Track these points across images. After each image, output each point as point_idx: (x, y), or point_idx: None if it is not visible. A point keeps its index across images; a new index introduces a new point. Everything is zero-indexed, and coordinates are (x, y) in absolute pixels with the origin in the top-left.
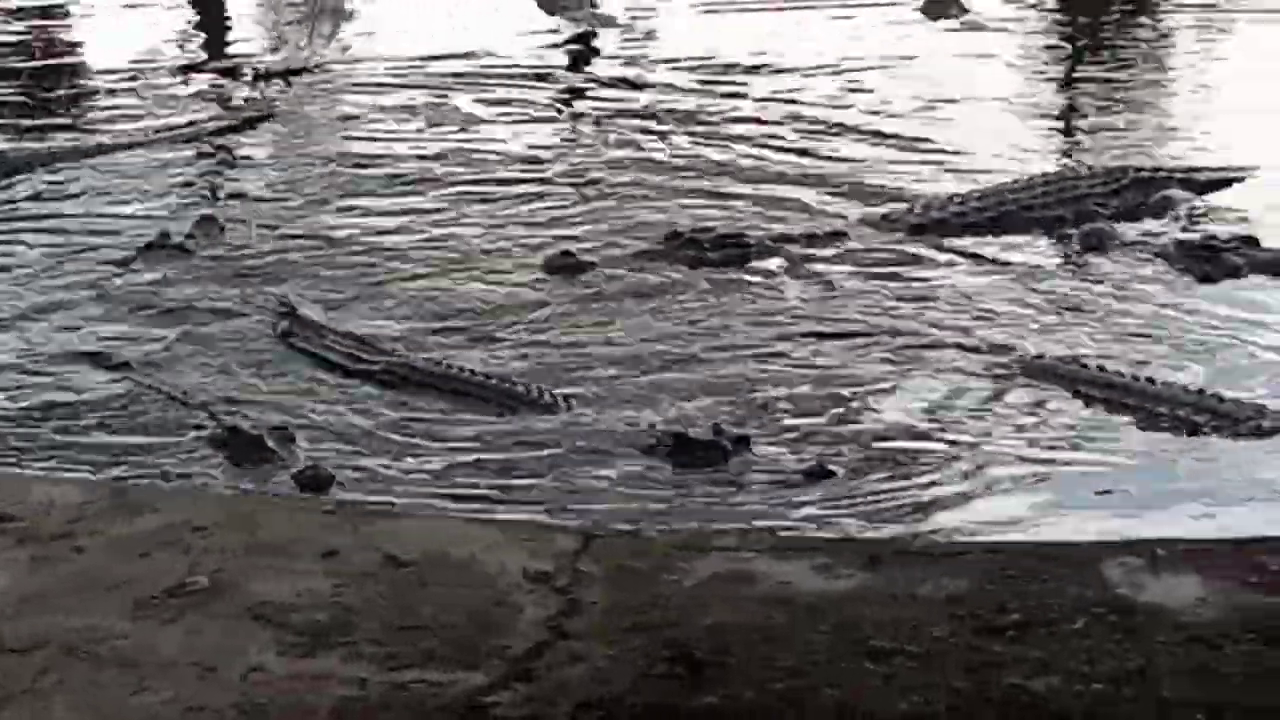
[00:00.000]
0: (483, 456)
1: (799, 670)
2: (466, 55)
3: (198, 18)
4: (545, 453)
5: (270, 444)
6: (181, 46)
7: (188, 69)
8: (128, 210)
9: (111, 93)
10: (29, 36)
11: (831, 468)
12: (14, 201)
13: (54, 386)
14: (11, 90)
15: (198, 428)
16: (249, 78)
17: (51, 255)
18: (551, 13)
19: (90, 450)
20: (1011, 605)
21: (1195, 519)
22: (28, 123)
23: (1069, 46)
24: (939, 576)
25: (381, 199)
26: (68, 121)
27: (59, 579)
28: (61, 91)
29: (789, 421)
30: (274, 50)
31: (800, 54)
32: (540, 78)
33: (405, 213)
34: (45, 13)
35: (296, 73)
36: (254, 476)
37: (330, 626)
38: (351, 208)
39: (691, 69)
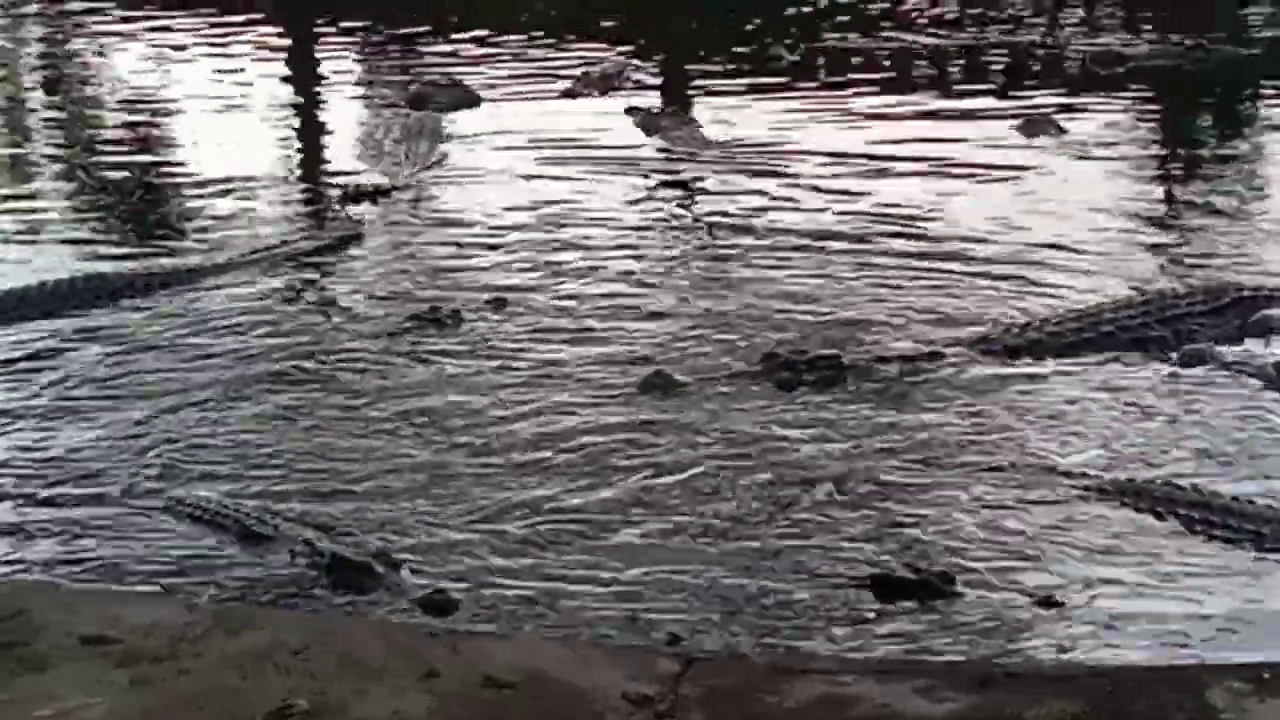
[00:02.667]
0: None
1: None
2: (561, 177)
3: (296, 128)
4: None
5: (378, 569)
6: (278, 159)
7: (283, 184)
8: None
9: (209, 208)
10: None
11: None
12: (110, 329)
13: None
14: (113, 205)
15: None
16: (338, 196)
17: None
18: (651, 133)
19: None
20: None
21: None
22: (126, 236)
23: (1167, 165)
24: (1047, 699)
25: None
26: (164, 236)
27: (161, 700)
28: (161, 207)
29: (877, 550)
30: (367, 169)
31: (893, 178)
32: (635, 196)
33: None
34: (154, 111)
35: (386, 193)
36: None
37: None
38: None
39: (786, 196)
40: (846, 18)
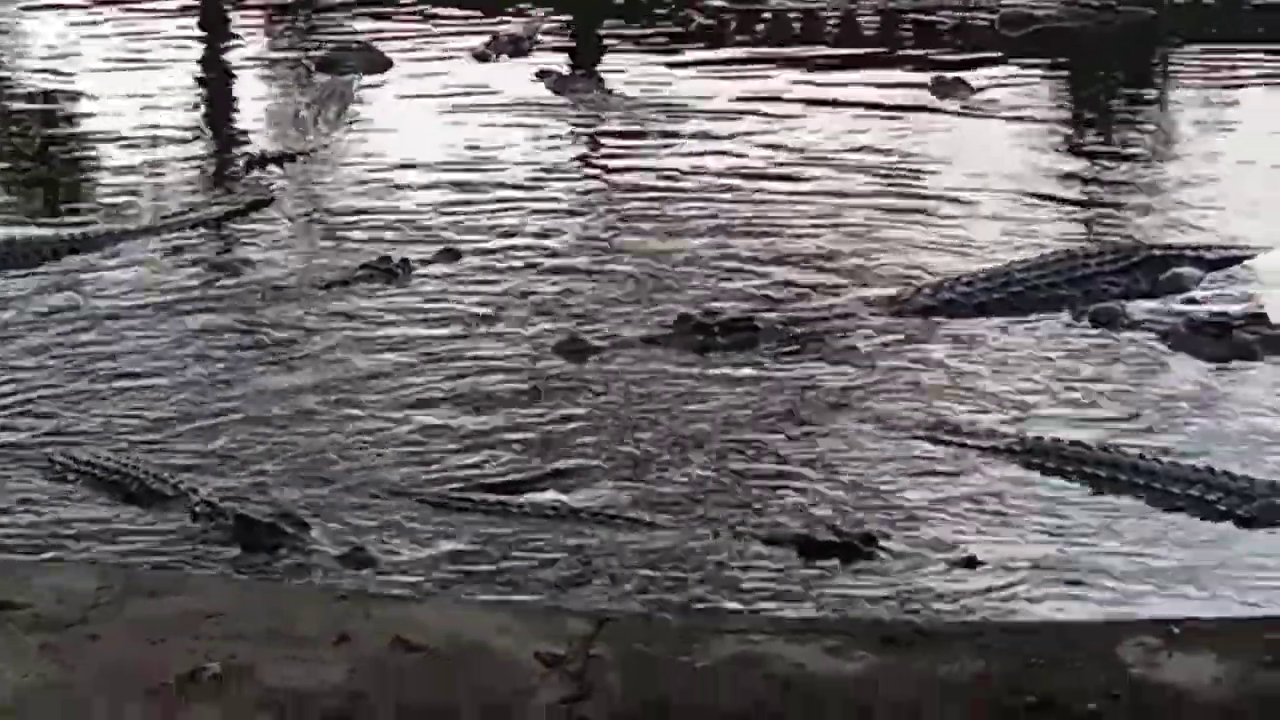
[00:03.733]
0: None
1: None
2: (472, 138)
3: (206, 94)
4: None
5: (286, 529)
6: (188, 125)
7: (193, 150)
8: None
9: (118, 174)
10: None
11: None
12: (25, 295)
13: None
14: (18, 171)
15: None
16: (247, 161)
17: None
18: (561, 95)
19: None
20: (1027, 687)
21: (1210, 598)
22: (36, 206)
23: (1076, 126)
24: (954, 658)
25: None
26: (77, 205)
27: (72, 667)
28: (69, 172)
29: (792, 504)
30: (278, 133)
31: (806, 138)
32: (548, 159)
33: (412, 294)
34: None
35: (294, 157)
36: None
37: (342, 712)
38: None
39: (698, 155)
40: None
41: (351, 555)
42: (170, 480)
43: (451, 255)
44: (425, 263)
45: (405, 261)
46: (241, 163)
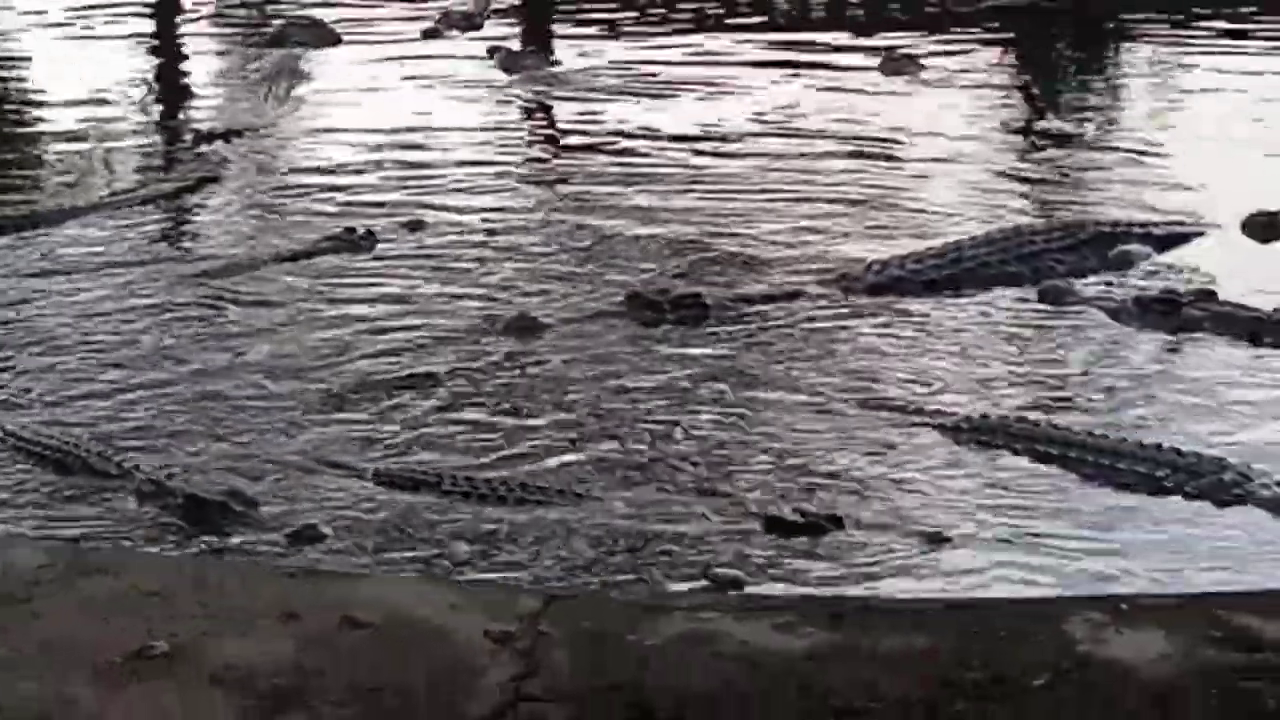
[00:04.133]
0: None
1: None
2: (423, 114)
3: (154, 69)
4: None
5: (235, 508)
6: (132, 99)
7: (141, 126)
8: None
9: (64, 151)
10: None
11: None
12: None
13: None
14: None
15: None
16: (195, 137)
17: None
18: (510, 72)
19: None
20: (975, 662)
21: (1158, 574)
22: None
23: (1024, 102)
24: (903, 633)
25: (333, 259)
26: (19, 183)
27: (16, 645)
28: (14, 149)
29: (741, 483)
30: (227, 109)
31: (756, 114)
32: (499, 135)
33: (359, 272)
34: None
35: (240, 133)
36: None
37: (291, 690)
38: (307, 268)
39: (650, 130)
40: None
41: (301, 532)
42: (113, 457)
43: (416, 225)
44: (384, 235)
45: (370, 233)
46: (189, 138)
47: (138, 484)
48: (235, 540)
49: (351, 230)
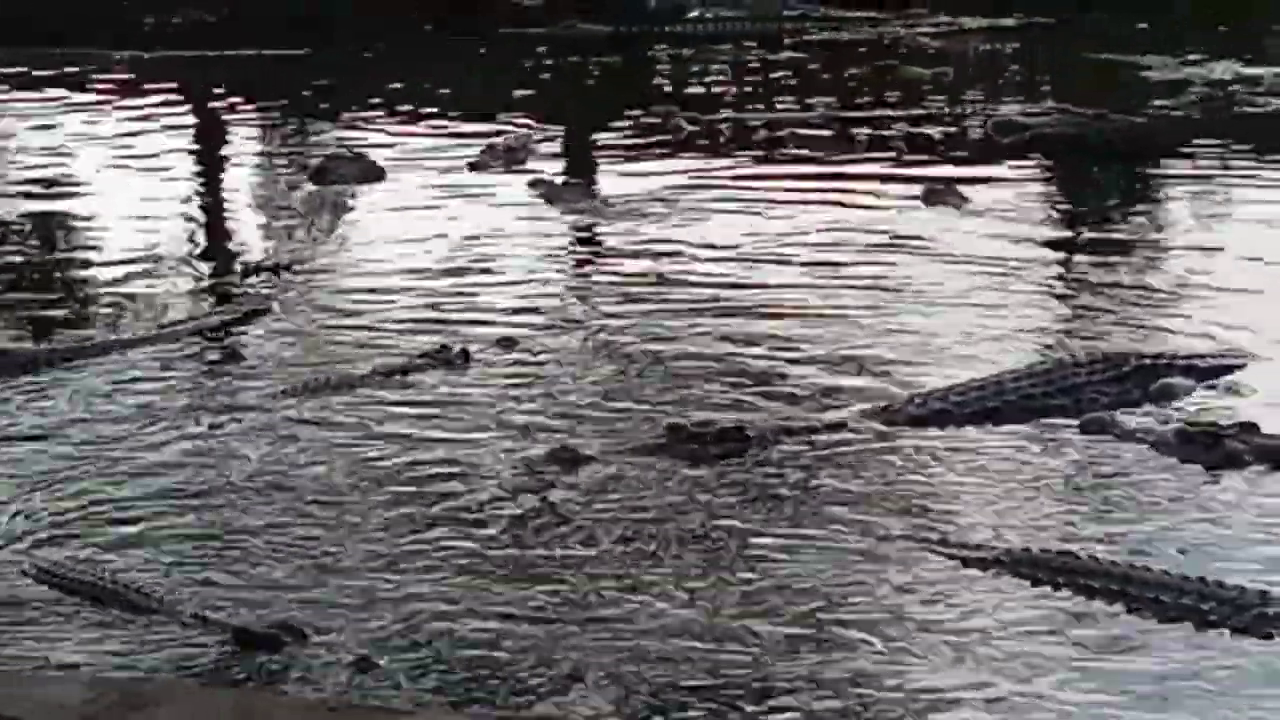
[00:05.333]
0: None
1: None
2: (468, 251)
3: (200, 204)
4: None
5: (285, 640)
6: (182, 235)
7: (188, 259)
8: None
9: (113, 284)
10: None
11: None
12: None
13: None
14: (13, 278)
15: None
16: (242, 271)
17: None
18: (553, 203)
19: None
20: None
21: (1201, 711)
22: (29, 315)
23: (1069, 234)
24: None
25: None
26: (70, 315)
27: None
28: (63, 279)
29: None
30: (272, 243)
31: (799, 242)
32: (543, 264)
33: (400, 403)
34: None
35: (289, 267)
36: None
37: None
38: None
39: (692, 259)
40: (748, 89)
41: (356, 664)
42: (154, 593)
43: (509, 344)
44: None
45: (465, 351)
46: (237, 272)
47: (183, 619)
48: (286, 672)
49: (445, 348)
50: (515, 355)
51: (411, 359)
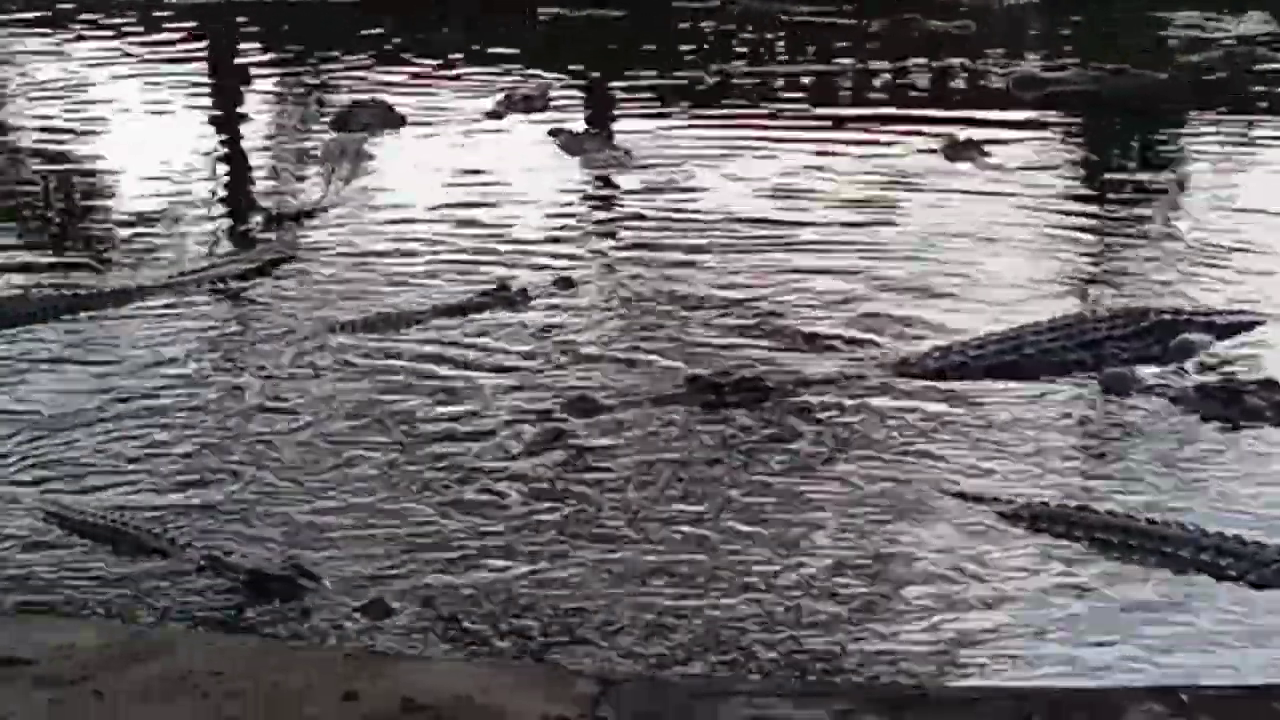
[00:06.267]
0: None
1: None
2: (486, 194)
3: (221, 151)
4: None
5: (300, 582)
6: (203, 182)
7: (208, 207)
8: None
9: (131, 228)
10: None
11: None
12: (27, 354)
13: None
14: (31, 229)
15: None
16: (263, 218)
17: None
18: (574, 154)
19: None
20: None
21: (1221, 665)
22: (47, 261)
23: (1088, 190)
24: None
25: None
26: (87, 260)
27: None
28: (81, 224)
29: (796, 573)
30: (292, 191)
31: (819, 195)
32: (562, 217)
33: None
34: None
35: (310, 214)
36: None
37: None
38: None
39: (713, 208)
40: (769, 40)
41: (369, 607)
42: (167, 535)
43: (566, 284)
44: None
45: (524, 290)
46: (257, 220)
47: (198, 561)
48: (300, 615)
49: (505, 287)
50: (530, 307)
51: (473, 297)
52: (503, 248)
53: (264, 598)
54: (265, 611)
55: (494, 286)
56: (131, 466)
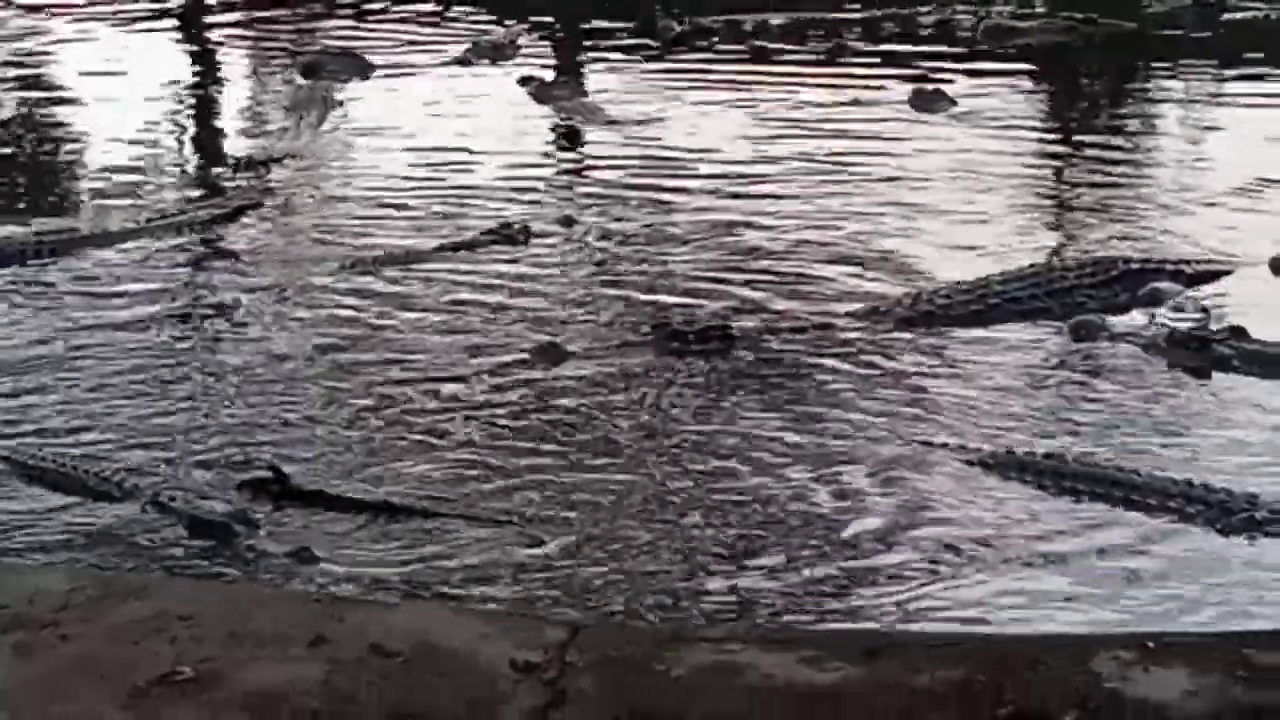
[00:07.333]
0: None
1: None
2: (457, 140)
3: (189, 98)
4: None
5: (237, 529)
6: (171, 129)
7: (177, 154)
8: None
9: (103, 176)
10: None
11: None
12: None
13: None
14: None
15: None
16: (231, 165)
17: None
18: (544, 102)
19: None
20: (1005, 697)
21: (1187, 612)
22: (19, 206)
23: (1056, 138)
24: (933, 667)
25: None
26: (57, 203)
27: (46, 667)
28: (53, 172)
29: (761, 518)
30: (261, 137)
31: (786, 142)
32: (530, 165)
33: (394, 295)
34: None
35: (278, 160)
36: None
37: (321, 712)
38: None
39: (680, 157)
40: None
41: (296, 554)
42: (115, 478)
43: (568, 223)
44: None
45: (526, 228)
46: (226, 167)
47: (142, 505)
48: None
49: (508, 225)
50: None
51: (476, 235)
52: (471, 196)
53: (206, 540)
54: (207, 551)
55: (499, 225)
56: (90, 409)
